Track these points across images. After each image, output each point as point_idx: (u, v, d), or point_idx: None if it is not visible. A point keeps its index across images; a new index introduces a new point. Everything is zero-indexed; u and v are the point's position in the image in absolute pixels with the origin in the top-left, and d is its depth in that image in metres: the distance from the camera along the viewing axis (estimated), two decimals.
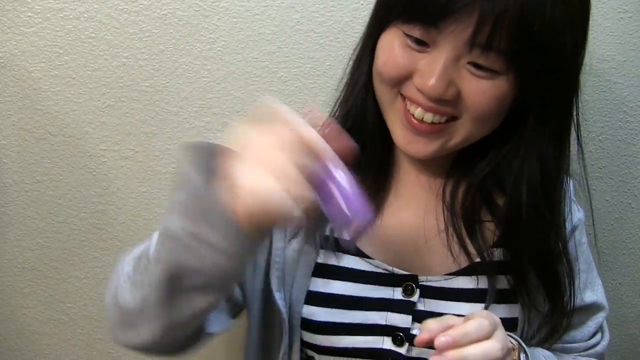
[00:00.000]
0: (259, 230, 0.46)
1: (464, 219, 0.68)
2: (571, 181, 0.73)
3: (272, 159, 0.43)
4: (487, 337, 0.54)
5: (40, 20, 0.86)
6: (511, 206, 0.64)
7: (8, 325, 0.97)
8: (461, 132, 0.61)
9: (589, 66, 0.91)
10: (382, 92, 0.63)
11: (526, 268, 0.66)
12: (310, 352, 0.69)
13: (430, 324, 0.55)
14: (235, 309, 0.70)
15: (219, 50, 0.89)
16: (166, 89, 0.90)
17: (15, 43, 0.87)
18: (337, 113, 0.70)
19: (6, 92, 0.89)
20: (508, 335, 0.59)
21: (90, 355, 0.99)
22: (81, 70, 0.88)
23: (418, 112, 0.60)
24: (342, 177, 0.45)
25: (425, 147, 0.62)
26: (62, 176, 0.92)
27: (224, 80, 0.90)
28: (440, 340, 0.52)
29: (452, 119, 0.61)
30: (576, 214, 0.73)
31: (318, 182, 0.45)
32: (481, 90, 0.58)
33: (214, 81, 0.89)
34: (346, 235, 0.45)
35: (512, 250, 0.67)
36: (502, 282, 0.67)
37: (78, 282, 0.96)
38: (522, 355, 0.60)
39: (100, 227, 0.94)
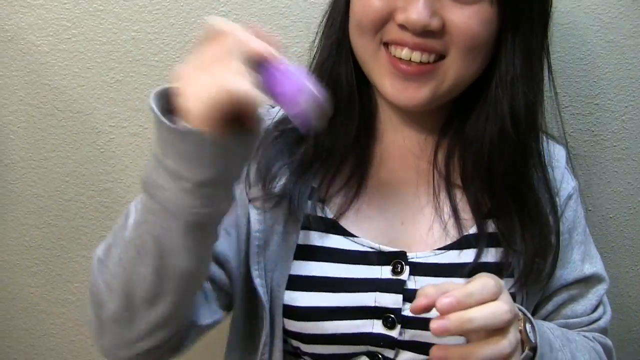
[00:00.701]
0: (226, 128, 0.45)
1: (459, 186, 0.66)
2: (564, 149, 0.73)
3: (214, 62, 0.44)
4: (494, 298, 0.49)
5: None
6: (480, 133, 0.63)
7: (15, 304, 0.96)
8: (451, 72, 0.59)
9: (612, 42, 0.88)
10: (364, 45, 0.61)
11: (514, 225, 0.64)
12: (295, 343, 0.65)
13: (428, 289, 0.50)
14: (223, 296, 0.65)
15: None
16: (176, 63, 0.87)
17: (21, 16, 0.85)
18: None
19: (12, 67, 0.87)
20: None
21: None
22: (89, 44, 0.86)
23: (405, 53, 0.58)
24: (284, 62, 0.46)
25: (417, 93, 0.59)
26: (69, 153, 0.90)
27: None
28: (442, 302, 0.47)
29: (440, 58, 0.59)
30: (570, 182, 0.71)
31: (262, 70, 0.46)
32: (466, 17, 0.57)
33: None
34: (298, 118, 0.45)
35: (489, 184, 0.64)
36: (496, 256, 0.65)
37: (85, 261, 0.94)
38: (528, 325, 0.56)
39: (107, 205, 0.92)
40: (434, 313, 0.56)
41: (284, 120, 0.67)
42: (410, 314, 0.59)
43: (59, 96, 0.88)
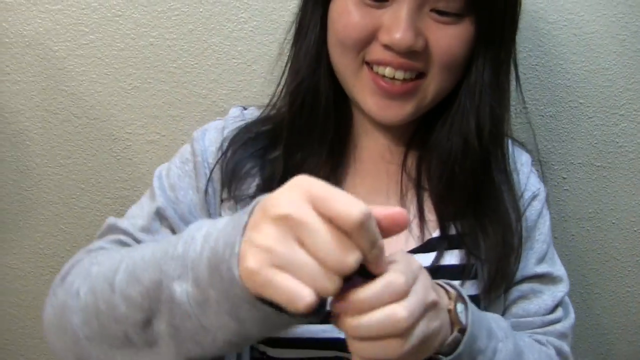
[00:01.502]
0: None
1: (426, 189, 0.66)
2: (529, 155, 0.74)
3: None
4: (397, 298, 0.42)
5: None
6: (444, 141, 0.64)
7: (29, 312, 0.95)
8: (432, 88, 0.61)
9: (639, 52, 0.86)
10: (345, 64, 0.61)
11: (479, 227, 0.64)
12: (262, 347, 0.64)
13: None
14: None
15: (251, 30, 0.85)
16: (195, 70, 0.86)
17: (40, 21, 0.84)
18: (283, 91, 0.67)
19: (30, 72, 0.86)
20: (445, 282, 0.52)
21: None
22: (107, 49, 0.85)
23: (388, 71, 0.59)
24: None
25: (401, 110, 0.61)
26: (85, 160, 0.89)
27: (255, 62, 0.86)
28: (335, 306, 0.42)
29: (420, 75, 0.60)
30: (535, 184, 0.72)
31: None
32: (449, 37, 0.58)
33: (244, 63, 0.86)
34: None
35: (452, 190, 0.64)
36: (458, 258, 0.64)
37: None
38: (460, 305, 0.51)
39: (123, 213, 0.90)
40: None
41: (258, 123, 0.68)
42: None
43: (76, 102, 0.87)
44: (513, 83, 0.68)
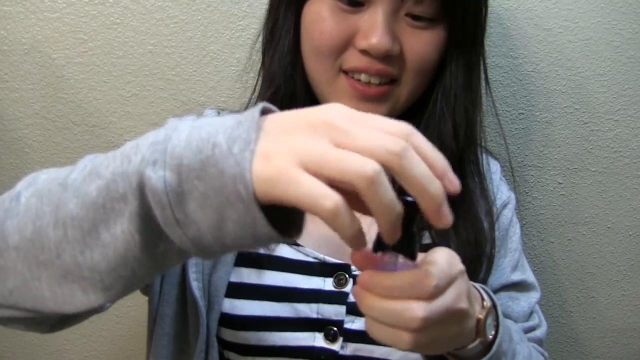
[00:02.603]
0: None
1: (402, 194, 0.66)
2: (498, 164, 0.75)
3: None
4: (421, 297, 0.40)
5: (64, 5, 0.83)
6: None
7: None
8: (404, 93, 0.61)
9: (633, 58, 0.87)
10: (322, 71, 0.61)
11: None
12: (231, 355, 0.62)
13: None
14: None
15: (249, 38, 0.85)
16: (193, 77, 0.87)
17: (38, 29, 0.84)
18: (257, 97, 0.66)
19: (29, 80, 0.86)
20: (484, 290, 0.51)
21: (112, 351, 0.97)
22: (106, 57, 0.85)
23: (363, 77, 0.59)
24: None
25: (378, 113, 0.59)
26: None
27: (253, 70, 0.86)
28: (360, 278, 0.41)
29: (393, 81, 0.61)
30: (505, 192, 0.72)
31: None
32: (423, 43, 0.59)
33: (243, 70, 0.86)
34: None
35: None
36: None
37: None
38: (490, 318, 0.50)
39: None
40: None
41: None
42: (353, 327, 0.59)
43: (75, 110, 0.87)
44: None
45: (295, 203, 0.34)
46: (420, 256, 0.43)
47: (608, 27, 0.86)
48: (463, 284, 0.44)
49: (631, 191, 0.92)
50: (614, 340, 0.98)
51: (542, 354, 0.68)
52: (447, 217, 0.36)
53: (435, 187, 0.35)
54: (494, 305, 0.51)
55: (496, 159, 0.75)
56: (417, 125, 0.64)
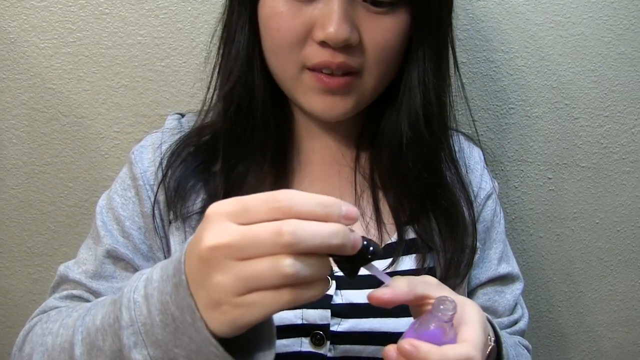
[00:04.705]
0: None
1: (381, 188, 0.65)
2: (481, 151, 0.73)
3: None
4: None
5: None
6: (394, 133, 0.62)
7: (16, 312, 0.94)
8: (370, 83, 0.59)
9: (624, 55, 0.87)
10: (284, 69, 0.59)
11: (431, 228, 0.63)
12: None
13: (399, 282, 0.44)
14: None
15: None
16: (183, 68, 0.86)
17: (25, 18, 0.83)
18: (214, 96, 0.64)
19: (16, 70, 0.85)
20: (493, 326, 0.52)
21: None
22: (94, 47, 0.84)
23: (326, 71, 0.57)
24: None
25: (344, 105, 0.59)
26: (73, 158, 0.89)
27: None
28: (403, 348, 0.42)
29: (357, 73, 0.58)
30: (489, 182, 0.71)
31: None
32: (384, 30, 0.56)
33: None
34: None
35: (405, 187, 0.63)
36: (410, 263, 0.63)
37: None
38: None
39: None
40: (364, 326, 0.55)
41: (195, 133, 0.65)
42: (340, 329, 0.59)
43: (63, 100, 0.86)
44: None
45: (262, 320, 0.38)
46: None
47: (599, 23, 0.86)
48: (487, 344, 0.46)
49: (620, 187, 0.93)
50: (599, 335, 0.99)
51: (527, 347, 0.68)
52: (358, 243, 0.39)
53: (336, 239, 0.37)
54: (497, 339, 0.52)
55: (478, 145, 0.74)
56: (387, 114, 0.63)
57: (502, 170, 0.92)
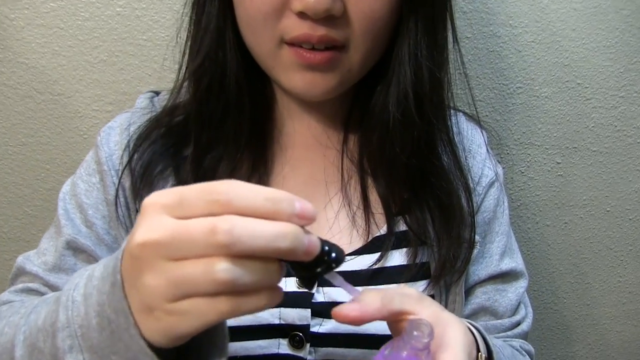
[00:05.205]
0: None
1: (370, 175, 0.59)
2: (484, 132, 0.67)
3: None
4: None
5: None
6: (382, 114, 0.56)
7: None
8: (356, 58, 0.53)
9: None
10: (261, 44, 0.52)
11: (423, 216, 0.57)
12: None
13: (371, 296, 0.39)
14: None
15: None
16: (166, 42, 0.80)
17: None
18: (184, 75, 0.58)
19: None
20: (482, 337, 0.47)
21: None
22: (70, 19, 0.78)
23: (306, 45, 0.51)
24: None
25: (327, 83, 0.53)
26: (49, 139, 0.83)
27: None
28: None
29: (342, 48, 0.52)
30: (492, 168, 0.64)
31: None
32: (370, 0, 0.50)
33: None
34: None
35: (396, 173, 0.57)
36: (401, 258, 0.58)
37: None
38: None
39: None
40: (347, 328, 0.49)
41: (166, 113, 0.59)
42: (321, 331, 0.54)
43: (38, 76, 0.81)
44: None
45: (199, 331, 0.34)
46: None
47: (616, 1, 0.79)
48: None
49: (633, 173, 0.87)
50: (606, 328, 0.95)
51: (529, 353, 0.63)
52: (314, 248, 0.33)
53: (284, 242, 0.32)
54: (484, 341, 0.47)
55: (479, 124, 0.67)
56: (376, 93, 0.57)
57: (508, 154, 0.86)
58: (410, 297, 0.40)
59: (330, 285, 0.54)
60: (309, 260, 0.33)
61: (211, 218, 0.31)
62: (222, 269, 0.31)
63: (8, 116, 0.82)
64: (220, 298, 0.32)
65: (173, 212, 0.32)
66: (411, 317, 0.39)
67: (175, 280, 0.32)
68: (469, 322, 0.48)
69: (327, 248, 0.34)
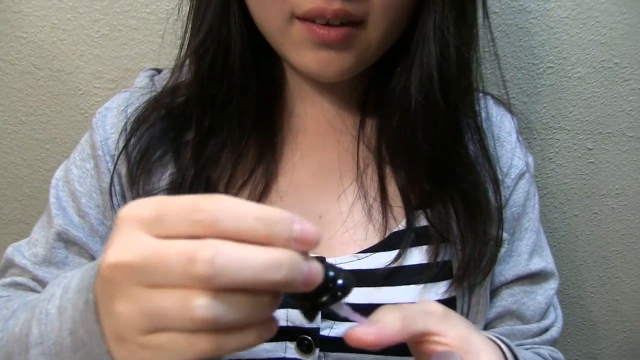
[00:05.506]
0: None
1: (389, 162, 0.54)
2: (514, 119, 0.61)
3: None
4: None
5: None
6: (403, 97, 0.51)
7: None
8: (375, 36, 0.47)
9: None
10: (270, 19, 0.47)
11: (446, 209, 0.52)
12: None
13: (390, 316, 0.35)
14: None
15: None
16: (171, 16, 0.75)
17: None
18: (185, 52, 0.53)
19: None
20: (496, 338, 0.44)
21: None
22: None
23: (320, 21, 0.46)
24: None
25: (342, 62, 0.47)
26: (49, 117, 0.80)
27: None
28: None
29: (359, 23, 0.46)
30: (522, 157, 0.59)
31: None
32: None
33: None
34: None
35: (417, 163, 0.52)
36: (421, 256, 0.53)
37: None
38: None
39: None
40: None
41: (167, 93, 0.54)
42: (332, 334, 0.49)
43: (37, 51, 0.76)
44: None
45: None
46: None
47: None
48: None
49: None
50: (637, 325, 0.89)
51: None
52: (315, 278, 0.28)
53: (278, 273, 0.27)
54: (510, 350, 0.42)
55: (508, 109, 0.62)
56: (397, 74, 0.51)
57: (535, 138, 0.80)
58: (434, 316, 0.36)
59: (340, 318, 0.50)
60: (309, 291, 0.29)
61: (191, 243, 0.26)
62: (201, 305, 0.26)
63: (7, 93, 0.78)
64: (200, 335, 0.27)
65: (151, 228, 0.28)
66: (439, 349, 0.35)
67: (149, 311, 0.28)
68: (497, 337, 0.43)
69: (332, 274, 0.29)
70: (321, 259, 0.30)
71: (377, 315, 0.35)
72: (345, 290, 0.30)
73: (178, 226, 0.27)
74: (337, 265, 0.31)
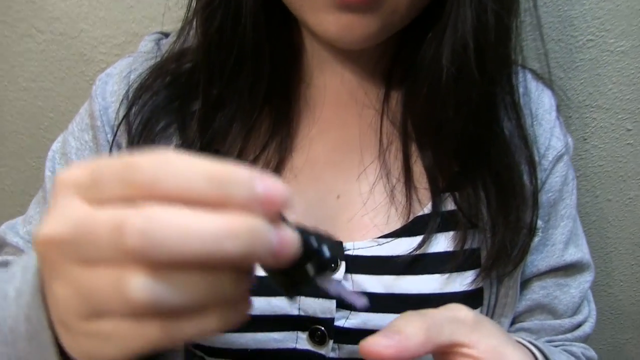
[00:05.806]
0: None
1: (415, 139, 0.50)
2: (553, 96, 0.56)
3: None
4: None
5: None
6: (433, 68, 0.46)
7: None
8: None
9: None
10: None
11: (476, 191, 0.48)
12: (199, 353, 0.52)
13: (413, 326, 0.32)
14: None
15: None
16: None
17: None
18: (192, 13, 0.48)
19: None
20: (529, 343, 0.41)
21: None
22: None
23: None
24: None
25: (367, 27, 0.42)
26: (52, 84, 0.75)
27: None
28: None
29: None
30: (561, 138, 0.54)
31: None
32: None
33: None
34: None
35: (446, 141, 0.48)
36: (446, 243, 0.49)
37: None
38: None
39: None
40: (378, 322, 0.41)
41: (173, 59, 0.49)
42: (347, 325, 0.46)
43: (38, 13, 0.72)
44: None
45: (129, 358, 0.25)
46: None
47: None
48: None
49: None
50: None
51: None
52: (290, 248, 0.23)
53: (234, 244, 0.22)
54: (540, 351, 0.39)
55: (547, 85, 0.57)
56: (427, 42, 0.46)
57: (570, 117, 0.75)
58: (464, 324, 0.32)
59: (362, 272, 0.46)
60: (287, 264, 0.24)
61: (122, 210, 0.21)
62: (136, 284, 0.22)
63: (7, 58, 0.74)
64: (145, 321, 0.23)
65: (87, 193, 0.23)
66: (474, 342, 0.30)
67: (84, 292, 0.23)
68: (531, 342, 0.39)
69: (314, 243, 0.24)
70: (339, 242, 0.25)
71: (398, 324, 0.31)
72: (330, 262, 0.25)
73: (113, 191, 0.23)
74: (321, 231, 0.26)
